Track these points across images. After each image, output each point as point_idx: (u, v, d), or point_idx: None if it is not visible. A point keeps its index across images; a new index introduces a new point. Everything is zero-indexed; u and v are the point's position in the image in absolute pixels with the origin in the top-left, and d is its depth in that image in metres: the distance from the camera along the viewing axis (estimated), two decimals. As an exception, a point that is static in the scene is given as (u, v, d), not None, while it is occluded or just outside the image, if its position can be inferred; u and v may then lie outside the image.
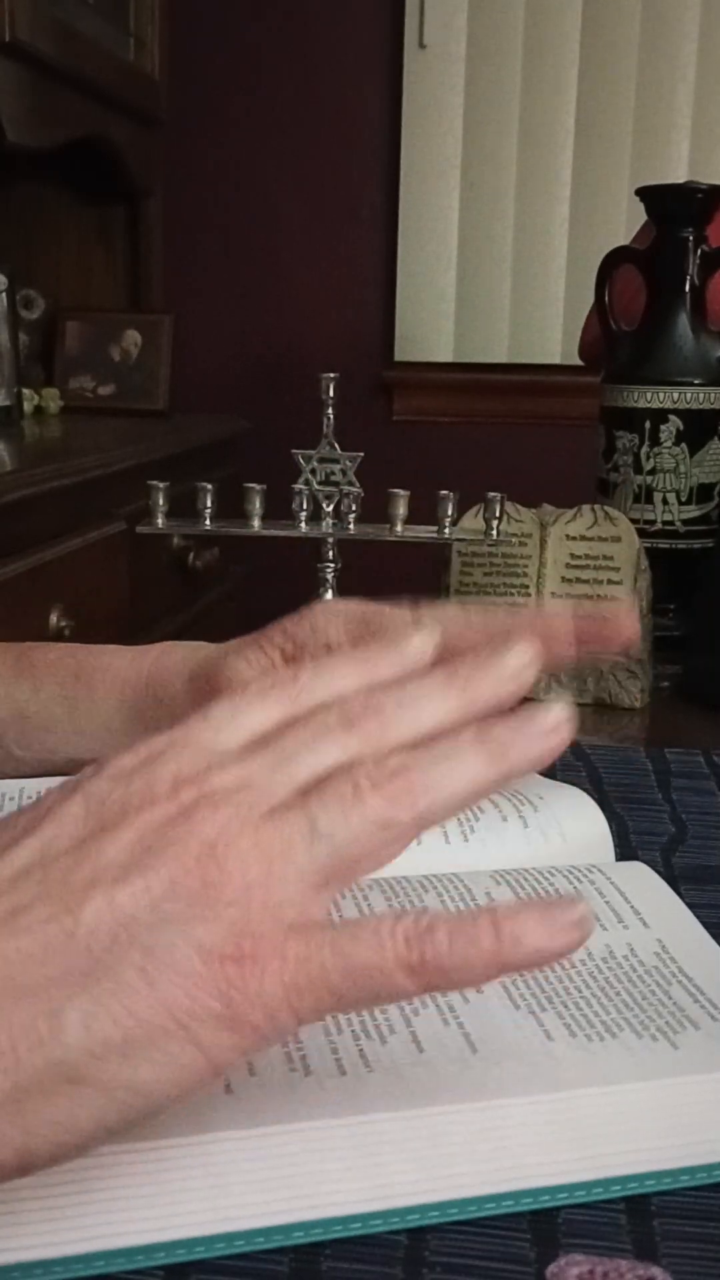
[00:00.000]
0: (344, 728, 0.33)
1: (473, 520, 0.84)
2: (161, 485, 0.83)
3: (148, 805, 0.31)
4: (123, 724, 0.56)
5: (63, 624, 1.39)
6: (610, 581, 0.83)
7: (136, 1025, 0.28)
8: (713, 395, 0.94)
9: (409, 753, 0.32)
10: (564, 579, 0.84)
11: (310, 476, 0.83)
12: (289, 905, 0.30)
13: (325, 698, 0.34)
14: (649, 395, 0.94)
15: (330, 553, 0.84)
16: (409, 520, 0.82)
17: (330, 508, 0.83)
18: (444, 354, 2.43)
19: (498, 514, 0.81)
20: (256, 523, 0.83)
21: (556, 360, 2.38)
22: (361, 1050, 0.36)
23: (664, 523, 0.95)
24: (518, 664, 0.35)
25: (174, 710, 0.54)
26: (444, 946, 0.29)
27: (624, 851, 0.55)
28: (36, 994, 0.28)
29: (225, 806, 0.31)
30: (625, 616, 0.50)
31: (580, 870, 0.49)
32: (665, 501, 0.95)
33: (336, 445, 0.83)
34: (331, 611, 0.55)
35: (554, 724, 0.33)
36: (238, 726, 0.34)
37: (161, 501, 0.83)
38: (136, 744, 0.33)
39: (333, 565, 0.84)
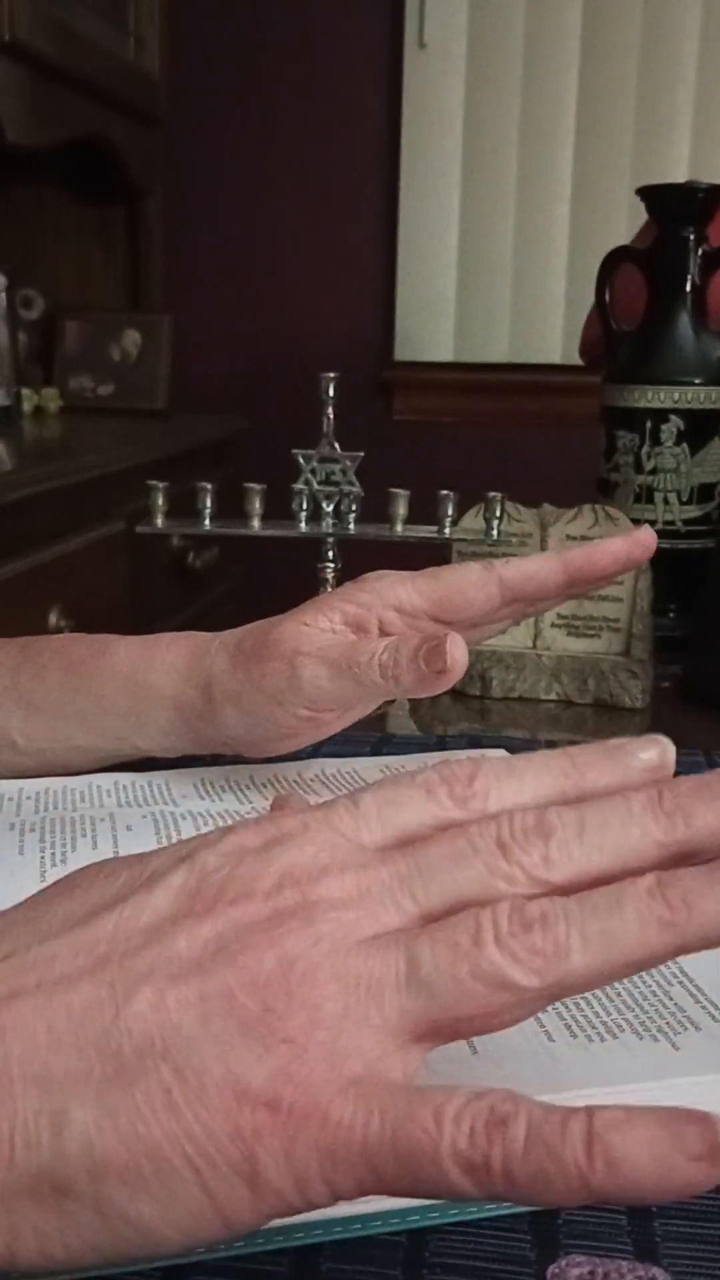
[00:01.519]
0: (500, 850, 0.27)
1: (473, 520, 0.84)
2: (161, 485, 0.83)
3: (242, 899, 0.27)
4: (130, 705, 0.56)
5: (62, 624, 1.39)
6: (611, 581, 0.83)
7: (144, 1152, 0.25)
8: (713, 395, 0.94)
9: (565, 900, 0.26)
10: (564, 579, 0.84)
11: (310, 476, 0.83)
12: (356, 1057, 0.26)
13: (501, 806, 0.29)
14: (649, 395, 0.94)
15: (330, 553, 0.84)
16: (409, 520, 0.82)
17: (330, 508, 0.83)
18: (444, 354, 2.43)
19: (498, 514, 0.81)
20: (256, 523, 0.82)
21: (556, 360, 2.38)
22: (361, 1051, 0.36)
23: (664, 523, 0.95)
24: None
25: (211, 692, 0.54)
26: (516, 1151, 0.24)
27: (624, 851, 0.55)
28: (50, 1085, 0.25)
29: (323, 922, 0.26)
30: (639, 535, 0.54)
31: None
32: (666, 501, 0.95)
33: (336, 445, 0.83)
34: (395, 576, 0.55)
35: None
36: (385, 822, 0.29)
37: (161, 501, 0.83)
38: (272, 817, 0.29)
39: (333, 565, 0.84)
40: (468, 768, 0.29)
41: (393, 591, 0.54)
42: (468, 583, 0.54)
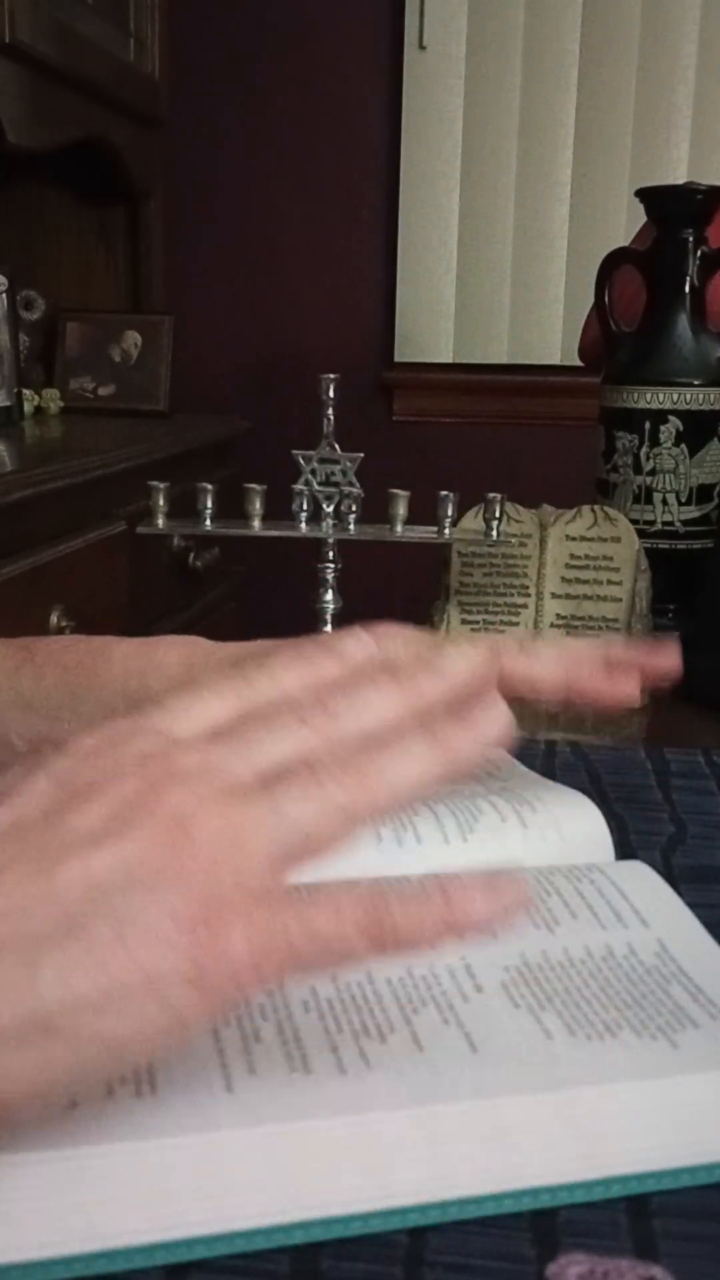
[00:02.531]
0: (298, 723, 0.36)
1: (473, 520, 0.84)
2: (162, 486, 0.83)
3: (116, 779, 0.33)
4: (125, 714, 0.56)
5: (63, 624, 1.39)
6: (610, 582, 0.83)
7: (109, 981, 0.30)
8: (712, 396, 0.94)
9: (362, 746, 0.35)
10: (564, 579, 0.84)
11: (310, 477, 0.83)
12: (253, 877, 0.32)
13: (275, 696, 0.37)
14: (649, 396, 0.94)
15: (330, 553, 0.84)
16: (409, 520, 0.82)
17: (330, 508, 0.83)
18: (444, 354, 2.43)
19: (498, 514, 0.81)
20: (256, 523, 0.83)
21: (556, 361, 2.38)
22: (362, 1049, 0.36)
23: (664, 523, 0.95)
24: (458, 665, 0.39)
25: None
26: (398, 914, 0.32)
27: (624, 851, 0.55)
28: (14, 948, 0.30)
29: (193, 784, 0.33)
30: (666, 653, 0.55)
31: (580, 870, 0.49)
32: (665, 502, 0.95)
33: (337, 446, 0.83)
34: (401, 636, 0.54)
35: (492, 722, 0.37)
36: (194, 716, 0.36)
37: (162, 502, 0.83)
38: (95, 728, 0.35)
39: (333, 565, 0.84)
40: (241, 670, 0.38)
41: (387, 644, 0.53)
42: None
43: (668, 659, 0.56)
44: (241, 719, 0.36)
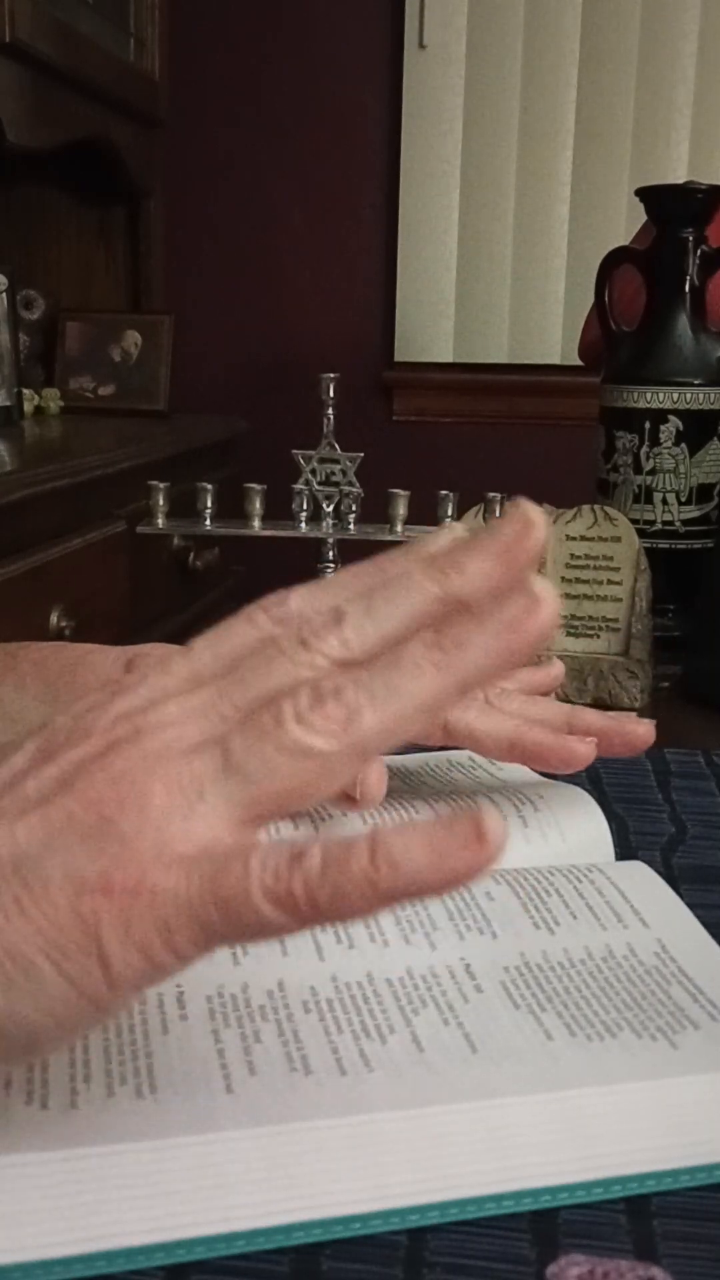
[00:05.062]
0: (301, 645, 0.30)
1: (473, 520, 0.84)
2: (162, 485, 0.83)
3: (81, 740, 0.30)
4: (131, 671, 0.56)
5: (63, 624, 1.39)
6: (610, 582, 0.83)
7: (6, 954, 0.28)
8: (712, 395, 0.94)
9: (353, 670, 0.29)
10: (564, 579, 0.84)
11: (310, 477, 0.83)
12: (184, 840, 0.28)
13: (286, 620, 0.32)
14: (649, 395, 0.94)
15: (330, 553, 0.84)
16: (409, 520, 0.82)
17: (330, 508, 0.83)
18: (444, 354, 2.43)
19: (498, 514, 0.81)
20: (256, 523, 0.83)
21: (556, 360, 2.38)
22: (362, 1050, 0.36)
23: (664, 523, 0.95)
24: (518, 529, 0.30)
25: None
26: (314, 876, 0.27)
27: (624, 851, 0.55)
28: None
29: (150, 740, 0.29)
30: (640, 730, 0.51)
31: (580, 870, 0.49)
32: (665, 502, 0.95)
33: (337, 445, 0.83)
34: None
35: (528, 607, 0.29)
36: (216, 654, 0.32)
37: (162, 502, 0.83)
38: (119, 675, 0.33)
39: (333, 565, 0.84)
40: (282, 593, 0.32)
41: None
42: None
43: (643, 731, 0.53)
44: (247, 650, 0.31)
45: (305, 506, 0.83)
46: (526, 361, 2.41)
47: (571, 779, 0.59)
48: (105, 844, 0.28)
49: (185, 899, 0.28)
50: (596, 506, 0.85)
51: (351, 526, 0.83)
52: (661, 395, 0.94)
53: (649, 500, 0.95)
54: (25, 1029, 0.29)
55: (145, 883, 0.28)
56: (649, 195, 0.97)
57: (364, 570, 0.32)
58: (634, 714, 0.53)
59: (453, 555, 0.30)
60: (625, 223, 2.25)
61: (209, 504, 0.83)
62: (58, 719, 0.32)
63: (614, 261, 1.00)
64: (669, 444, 0.94)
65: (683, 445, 0.94)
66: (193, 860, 0.28)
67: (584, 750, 0.51)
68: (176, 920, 0.28)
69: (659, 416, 0.94)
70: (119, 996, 0.29)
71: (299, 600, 0.32)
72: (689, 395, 0.93)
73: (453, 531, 0.32)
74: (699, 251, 0.95)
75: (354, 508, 0.83)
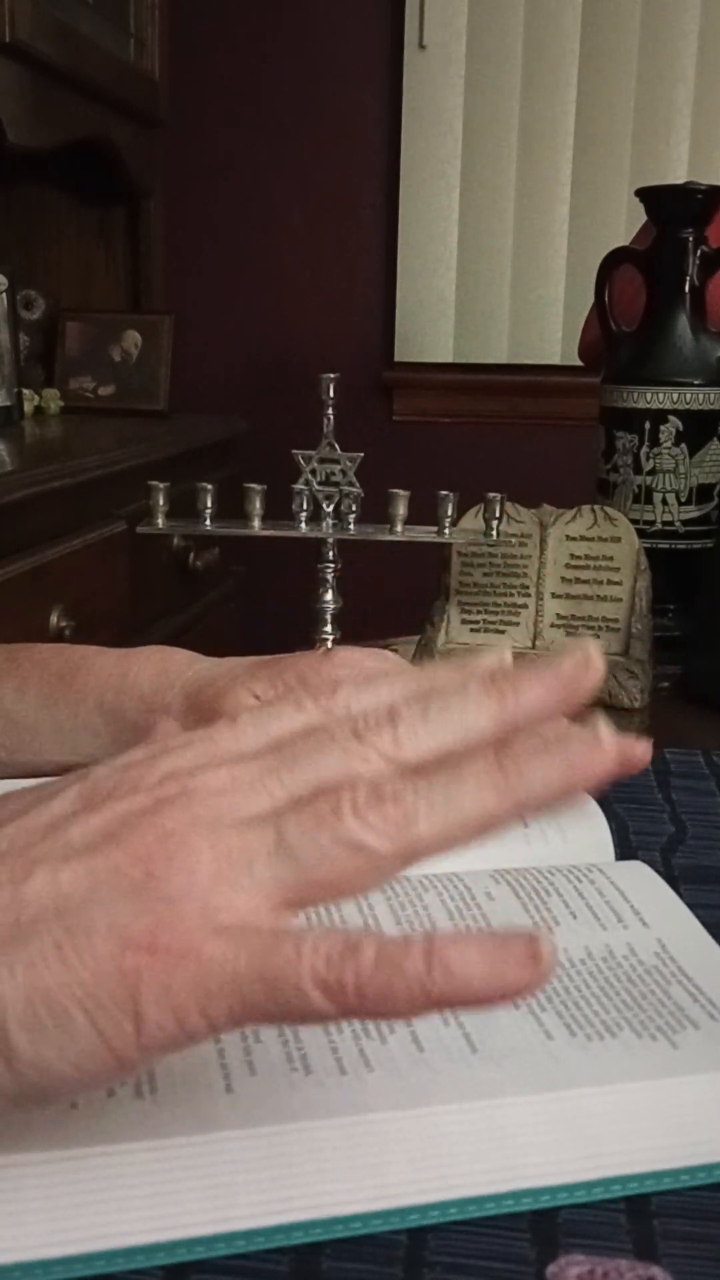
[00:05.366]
0: (355, 737, 0.31)
1: (473, 520, 0.84)
2: (162, 485, 0.83)
3: (129, 794, 0.31)
4: (104, 726, 0.56)
5: (63, 624, 1.39)
6: (610, 582, 0.84)
7: (41, 999, 0.28)
8: (712, 396, 0.94)
9: (412, 776, 0.30)
10: (564, 579, 0.84)
11: (310, 477, 0.83)
12: (228, 911, 0.28)
13: (361, 710, 0.32)
14: (649, 396, 0.94)
15: (330, 553, 0.84)
16: (409, 520, 0.82)
17: (330, 508, 0.83)
18: (444, 354, 2.43)
19: (498, 514, 0.81)
20: (256, 523, 0.83)
21: (556, 361, 2.38)
22: (362, 1050, 0.36)
23: (664, 523, 0.95)
24: (578, 667, 0.31)
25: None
26: (366, 970, 0.27)
27: (624, 851, 0.55)
28: None
29: (199, 805, 0.30)
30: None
31: (580, 870, 0.49)
32: (665, 502, 0.95)
33: (336, 445, 0.83)
34: (352, 657, 0.52)
35: (591, 748, 0.30)
36: (262, 731, 0.32)
37: (162, 502, 0.83)
38: (159, 737, 0.33)
39: (333, 565, 0.84)
40: (331, 681, 0.33)
41: (343, 672, 0.50)
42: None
43: (640, 751, 0.52)
44: (303, 733, 0.31)
45: (305, 506, 0.83)
46: (526, 362, 2.41)
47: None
48: (151, 902, 0.28)
49: (232, 971, 0.28)
50: (596, 507, 0.85)
51: (351, 526, 0.83)
52: (661, 395, 0.94)
53: (649, 500, 0.95)
54: (48, 1078, 0.28)
55: (193, 948, 0.28)
56: (649, 195, 0.97)
57: (414, 674, 0.34)
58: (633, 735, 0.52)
59: (512, 680, 0.31)
60: (625, 223, 2.25)
61: (209, 504, 0.83)
62: (97, 769, 0.32)
63: (614, 262, 1.00)
64: (669, 444, 0.94)
65: (683, 445, 0.94)
66: (240, 933, 0.28)
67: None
68: (219, 990, 0.28)
69: (659, 417, 0.94)
70: (144, 1057, 0.28)
71: (347, 694, 0.33)
72: (689, 395, 0.93)
73: (500, 652, 0.34)
74: (699, 252, 0.95)
75: (354, 508, 0.83)
